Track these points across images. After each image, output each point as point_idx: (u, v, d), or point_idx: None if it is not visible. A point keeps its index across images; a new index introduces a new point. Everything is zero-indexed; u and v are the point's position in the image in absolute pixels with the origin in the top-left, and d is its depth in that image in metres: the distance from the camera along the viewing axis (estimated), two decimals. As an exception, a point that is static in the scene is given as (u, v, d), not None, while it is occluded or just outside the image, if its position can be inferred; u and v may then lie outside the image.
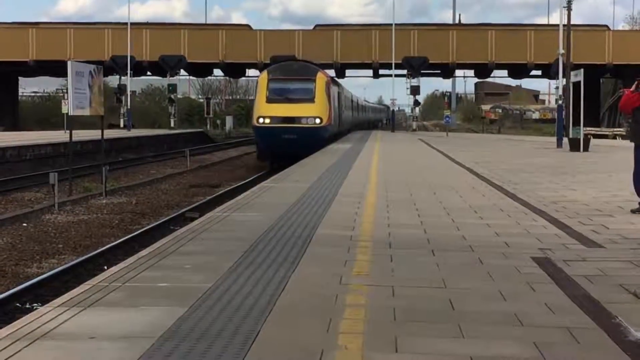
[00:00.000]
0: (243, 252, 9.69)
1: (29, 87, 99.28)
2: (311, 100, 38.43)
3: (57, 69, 67.94)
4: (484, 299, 7.47)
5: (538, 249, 10.07)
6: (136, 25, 75.59)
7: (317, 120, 37.96)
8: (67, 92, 32.17)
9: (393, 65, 71.95)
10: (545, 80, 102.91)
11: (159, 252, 9.76)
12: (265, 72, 40.62)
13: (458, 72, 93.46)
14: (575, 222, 12.72)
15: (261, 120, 37.89)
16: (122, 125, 72.14)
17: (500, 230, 11.74)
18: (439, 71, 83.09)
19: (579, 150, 35.68)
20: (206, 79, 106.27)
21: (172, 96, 76.05)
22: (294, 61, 43.77)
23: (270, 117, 37.59)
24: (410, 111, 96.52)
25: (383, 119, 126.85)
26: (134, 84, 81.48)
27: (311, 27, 79.19)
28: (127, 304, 7.22)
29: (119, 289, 7.78)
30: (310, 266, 8.91)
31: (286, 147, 36.31)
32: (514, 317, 6.81)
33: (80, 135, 43.55)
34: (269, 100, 38.24)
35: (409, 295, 7.59)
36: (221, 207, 14.42)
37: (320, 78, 39.95)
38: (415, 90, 74.10)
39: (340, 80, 69.93)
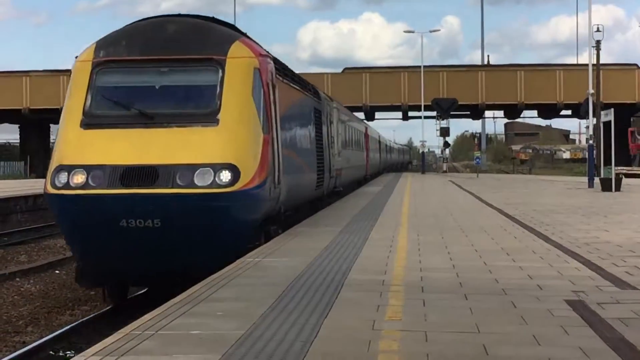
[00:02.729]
0: (275, 298, 9.68)
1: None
2: (209, 117, 15.28)
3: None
4: (518, 343, 7.42)
5: (571, 292, 9.99)
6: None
7: (225, 175, 14.68)
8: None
9: (422, 107, 72.17)
10: (576, 120, 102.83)
11: (191, 299, 9.76)
12: (89, 48, 16.18)
13: (487, 113, 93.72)
14: (609, 263, 12.63)
15: (62, 178, 14.82)
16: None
17: (533, 272, 11.67)
18: (468, 112, 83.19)
19: (610, 190, 35.45)
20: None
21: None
22: (169, 17, 17.32)
23: (89, 169, 14.71)
24: (440, 152, 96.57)
25: (413, 161, 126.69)
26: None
27: (340, 70, 79.58)
28: (160, 352, 7.22)
29: (152, 337, 7.78)
30: (343, 312, 8.89)
31: (136, 253, 14.64)
32: (549, 361, 6.76)
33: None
34: (89, 123, 15.31)
35: (442, 340, 7.55)
36: (252, 252, 14.43)
37: (239, 60, 15.88)
38: (445, 132, 74.22)
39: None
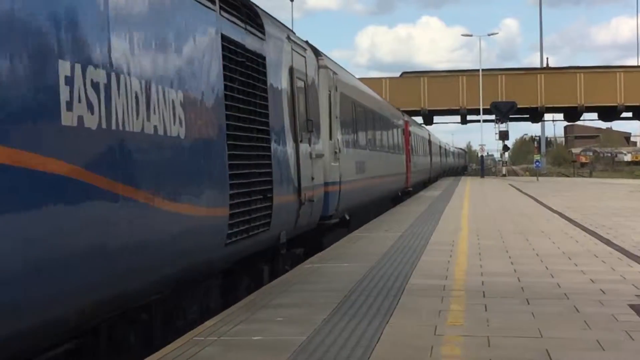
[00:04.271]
0: (336, 303, 9.67)
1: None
2: None
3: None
4: (582, 348, 7.35)
5: (635, 296, 9.88)
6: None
7: None
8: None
9: (481, 110, 71.82)
10: (637, 122, 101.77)
11: (252, 305, 9.79)
12: None
13: (547, 116, 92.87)
14: (673, 267, 12.49)
15: None
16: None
17: (596, 276, 11.56)
18: (527, 115, 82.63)
19: (673, 192, 35.02)
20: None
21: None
22: None
23: None
24: (499, 156, 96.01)
25: (472, 165, 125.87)
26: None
27: (398, 75, 79.50)
28: (222, 357, 7.24)
29: (215, 343, 7.81)
30: (404, 317, 8.86)
31: None
32: (613, 367, 6.69)
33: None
34: None
35: (504, 345, 7.50)
36: (312, 257, 14.44)
37: None
38: (504, 135, 73.75)
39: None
